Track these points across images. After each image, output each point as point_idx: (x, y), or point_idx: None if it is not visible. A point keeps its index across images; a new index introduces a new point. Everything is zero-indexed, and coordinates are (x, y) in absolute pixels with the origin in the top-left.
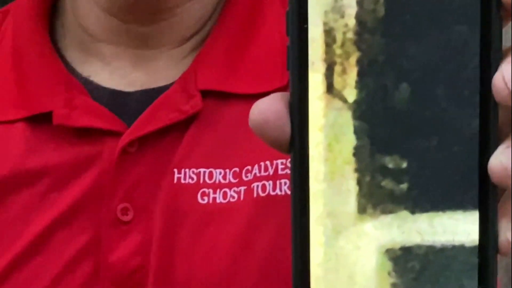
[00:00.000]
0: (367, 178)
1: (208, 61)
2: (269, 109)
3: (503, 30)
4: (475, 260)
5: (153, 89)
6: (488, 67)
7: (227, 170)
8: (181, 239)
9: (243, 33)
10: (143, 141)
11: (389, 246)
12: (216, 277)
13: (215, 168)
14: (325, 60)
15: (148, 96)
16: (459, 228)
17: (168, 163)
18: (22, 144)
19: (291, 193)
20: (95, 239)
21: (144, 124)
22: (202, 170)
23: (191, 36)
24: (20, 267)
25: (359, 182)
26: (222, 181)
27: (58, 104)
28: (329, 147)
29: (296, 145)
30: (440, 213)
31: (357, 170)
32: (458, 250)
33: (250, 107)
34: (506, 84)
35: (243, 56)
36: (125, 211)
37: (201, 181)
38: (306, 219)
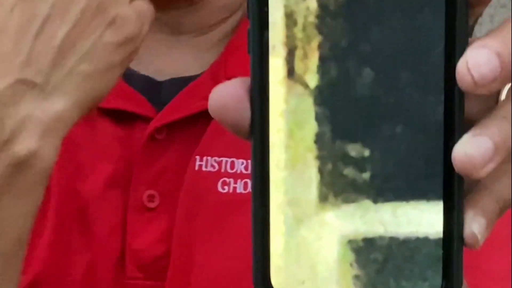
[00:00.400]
0: (329, 166)
1: (239, 50)
2: (228, 94)
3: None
4: (439, 252)
5: (184, 77)
6: (453, 53)
7: (249, 161)
8: (199, 227)
9: None
10: (171, 129)
11: (351, 237)
12: (233, 267)
13: (237, 158)
14: (286, 44)
15: (179, 84)
16: (423, 219)
17: (193, 151)
18: None
19: (252, 180)
20: (122, 222)
21: (173, 111)
22: (224, 159)
23: (217, 24)
24: (56, 245)
25: (321, 170)
26: (244, 171)
27: None
28: (290, 134)
29: (256, 131)
30: (404, 203)
31: (318, 157)
32: (422, 241)
33: None
34: (469, 70)
35: None
36: (151, 197)
37: (223, 170)
38: (267, 207)
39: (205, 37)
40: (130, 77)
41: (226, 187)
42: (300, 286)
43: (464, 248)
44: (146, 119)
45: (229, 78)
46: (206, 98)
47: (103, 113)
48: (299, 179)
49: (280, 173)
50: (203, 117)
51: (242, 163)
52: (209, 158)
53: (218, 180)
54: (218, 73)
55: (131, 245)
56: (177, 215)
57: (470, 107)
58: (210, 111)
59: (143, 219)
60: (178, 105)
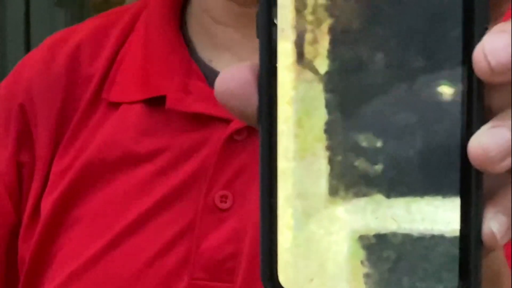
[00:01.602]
0: (339, 157)
1: None
2: (235, 79)
3: None
4: (456, 251)
5: None
6: (472, 39)
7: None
8: None
9: None
10: (252, 130)
11: (362, 233)
12: None
13: None
14: (296, 28)
15: None
16: (439, 215)
17: None
18: (135, 127)
19: (259, 171)
20: (192, 224)
21: None
22: None
23: None
24: (117, 246)
25: (331, 161)
26: None
27: (173, 88)
28: (299, 122)
29: (264, 119)
30: (418, 198)
31: (328, 148)
32: (437, 240)
33: None
34: (485, 56)
35: None
36: (224, 198)
37: None
38: (275, 200)
39: None
40: (211, 77)
41: None
42: (308, 283)
43: None
44: (225, 120)
45: None
46: None
47: (182, 116)
48: (308, 170)
49: (288, 164)
50: None
51: None
52: None
53: None
54: None
55: (200, 246)
56: (253, 218)
57: (493, 99)
58: (215, 95)
59: (214, 220)
60: None
